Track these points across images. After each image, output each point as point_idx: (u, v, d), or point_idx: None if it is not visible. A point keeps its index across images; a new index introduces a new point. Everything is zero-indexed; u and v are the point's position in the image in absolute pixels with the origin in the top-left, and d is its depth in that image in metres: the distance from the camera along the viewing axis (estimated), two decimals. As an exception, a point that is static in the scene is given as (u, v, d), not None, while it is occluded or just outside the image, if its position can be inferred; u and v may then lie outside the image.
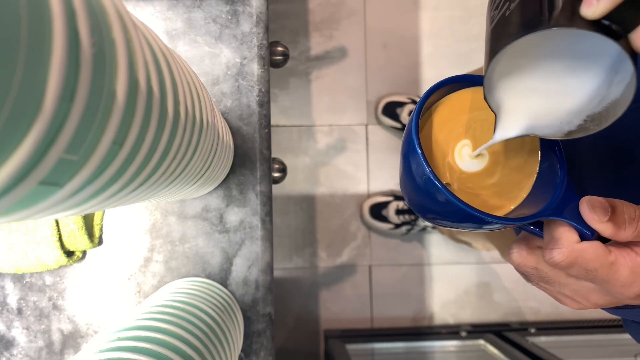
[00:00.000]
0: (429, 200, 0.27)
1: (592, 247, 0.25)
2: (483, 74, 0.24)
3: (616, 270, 0.24)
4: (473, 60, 1.25)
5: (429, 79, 1.25)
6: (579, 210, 0.25)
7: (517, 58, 0.24)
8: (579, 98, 0.24)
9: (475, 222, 0.26)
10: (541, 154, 0.29)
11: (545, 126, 0.26)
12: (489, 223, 0.26)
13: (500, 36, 0.23)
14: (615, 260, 0.24)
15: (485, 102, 0.26)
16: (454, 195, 0.25)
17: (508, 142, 0.29)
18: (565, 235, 0.25)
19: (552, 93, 0.25)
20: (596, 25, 0.20)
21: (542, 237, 0.27)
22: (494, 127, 0.27)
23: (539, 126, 0.26)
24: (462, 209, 0.25)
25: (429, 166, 0.25)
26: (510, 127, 0.26)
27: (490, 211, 0.26)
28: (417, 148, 0.26)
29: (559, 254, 0.25)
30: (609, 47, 0.21)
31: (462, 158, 0.29)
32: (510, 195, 0.29)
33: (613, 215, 0.24)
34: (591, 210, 0.25)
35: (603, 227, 0.24)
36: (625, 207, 0.25)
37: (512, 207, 0.28)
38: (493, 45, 0.23)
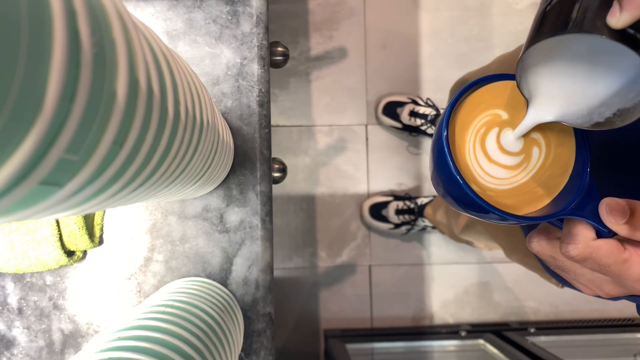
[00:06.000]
0: (458, 197, 0.29)
1: (606, 245, 0.25)
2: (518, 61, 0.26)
3: (629, 266, 0.25)
4: (473, 60, 1.25)
5: (429, 79, 1.25)
6: (598, 211, 0.26)
7: (553, 50, 0.25)
8: (612, 91, 0.25)
9: (500, 218, 0.28)
10: (576, 151, 0.30)
11: (575, 115, 0.27)
12: (512, 221, 0.27)
13: (536, 29, 0.24)
14: (629, 258, 0.25)
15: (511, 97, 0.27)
16: (478, 195, 0.27)
17: (551, 137, 0.30)
18: (582, 232, 0.26)
19: (588, 84, 0.26)
20: (621, 34, 0.21)
21: (562, 229, 0.28)
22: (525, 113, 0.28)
23: (570, 114, 0.27)
24: (485, 208, 0.27)
25: (460, 174, 0.27)
26: (543, 112, 0.27)
27: (530, 203, 0.29)
28: (446, 150, 0.27)
29: (574, 249, 0.26)
30: (630, 53, 0.21)
31: (502, 146, 0.30)
32: (547, 189, 0.30)
33: (631, 218, 0.25)
34: (609, 213, 0.25)
35: (619, 228, 0.25)
36: None
37: (548, 202, 0.29)
38: (530, 35, 0.25)
